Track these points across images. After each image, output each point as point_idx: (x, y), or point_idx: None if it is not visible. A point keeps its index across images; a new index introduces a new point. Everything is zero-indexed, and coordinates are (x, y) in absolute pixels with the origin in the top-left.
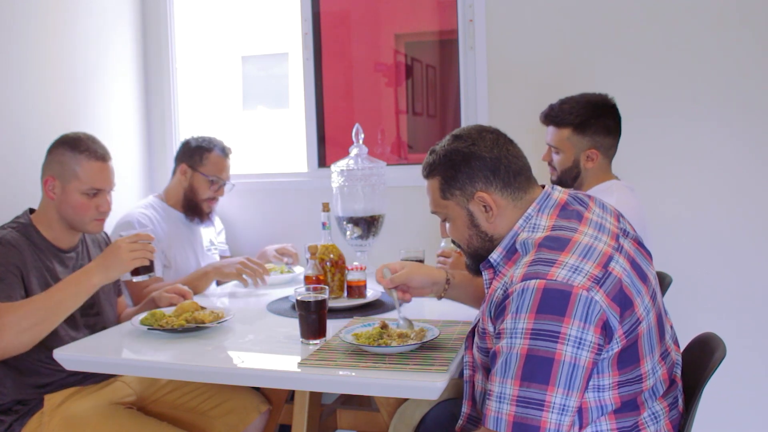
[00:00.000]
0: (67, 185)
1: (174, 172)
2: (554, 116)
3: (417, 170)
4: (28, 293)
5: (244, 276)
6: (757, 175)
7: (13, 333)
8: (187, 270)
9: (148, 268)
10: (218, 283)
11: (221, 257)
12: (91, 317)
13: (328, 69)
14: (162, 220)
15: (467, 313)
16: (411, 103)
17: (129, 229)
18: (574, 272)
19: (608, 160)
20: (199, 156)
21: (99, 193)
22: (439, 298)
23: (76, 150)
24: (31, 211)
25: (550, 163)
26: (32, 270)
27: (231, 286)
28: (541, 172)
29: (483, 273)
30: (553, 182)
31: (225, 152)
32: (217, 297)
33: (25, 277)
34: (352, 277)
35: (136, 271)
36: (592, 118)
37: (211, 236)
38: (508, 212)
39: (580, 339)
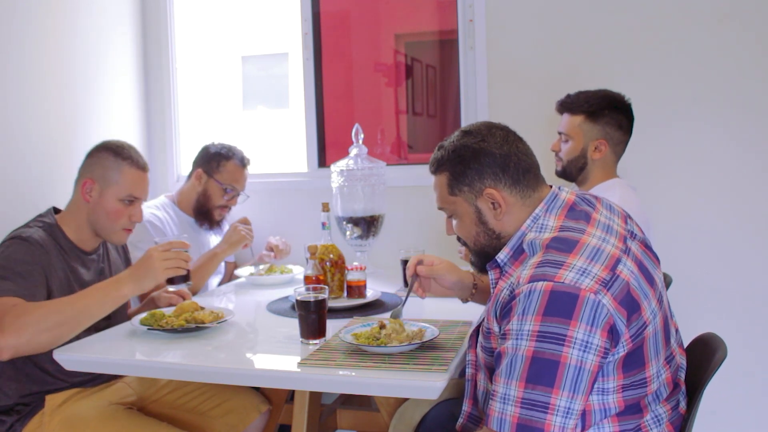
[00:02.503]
0: (105, 189)
1: (189, 176)
2: (570, 103)
3: (417, 170)
4: (49, 294)
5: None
6: (757, 175)
7: (33, 331)
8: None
9: (185, 277)
10: (220, 283)
11: (226, 263)
12: (102, 320)
13: (328, 69)
14: (172, 223)
15: (467, 313)
16: (411, 103)
17: (138, 228)
18: (581, 275)
19: (615, 157)
20: (216, 163)
21: (135, 201)
22: (465, 301)
23: (120, 157)
24: (56, 210)
25: (557, 154)
26: (57, 271)
27: (231, 285)
28: (543, 171)
29: (489, 272)
30: (558, 172)
31: (243, 162)
32: (217, 297)
33: (48, 277)
34: (351, 277)
35: (171, 280)
36: (606, 109)
37: (218, 242)
38: (516, 210)
39: (587, 342)
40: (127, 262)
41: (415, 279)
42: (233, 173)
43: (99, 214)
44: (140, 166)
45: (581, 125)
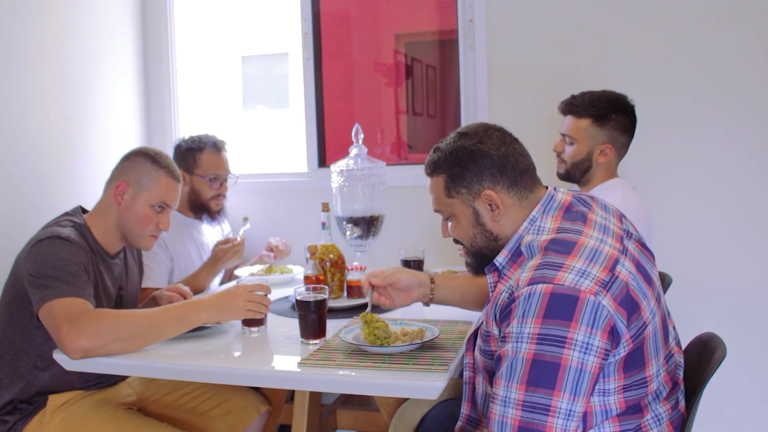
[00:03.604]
0: (139, 194)
1: None
2: (576, 106)
3: (417, 170)
4: None
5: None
6: (757, 175)
7: (107, 339)
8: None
9: (260, 321)
10: (220, 283)
11: None
12: None
13: (328, 69)
14: (170, 224)
15: (467, 314)
16: (411, 103)
17: None
18: (581, 276)
19: (617, 160)
20: (191, 159)
21: (165, 209)
22: (427, 303)
23: (157, 164)
24: (83, 210)
25: (559, 155)
26: (90, 273)
27: (232, 285)
28: (540, 172)
29: (487, 276)
30: (560, 175)
31: (217, 147)
32: None
33: (89, 278)
34: (351, 277)
35: (247, 321)
36: (613, 113)
37: (218, 240)
38: (513, 211)
39: (587, 344)
40: (140, 267)
41: (371, 291)
42: (210, 162)
43: (129, 218)
44: (175, 176)
45: (587, 129)
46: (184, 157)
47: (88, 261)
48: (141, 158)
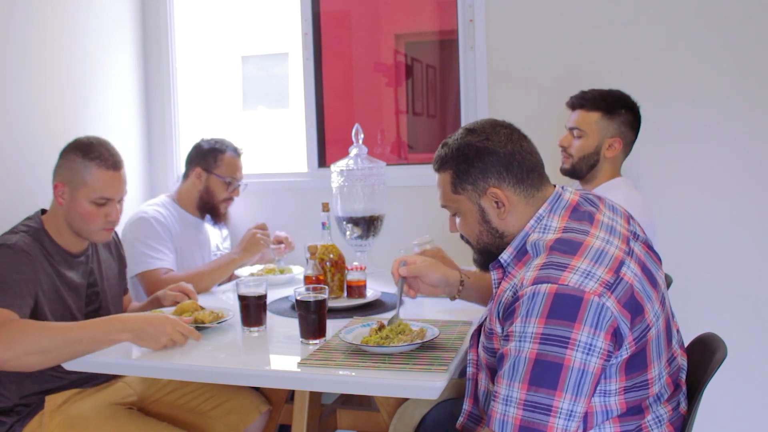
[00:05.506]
0: (76, 192)
1: (186, 175)
2: (586, 100)
3: (417, 170)
4: (37, 302)
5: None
6: (757, 174)
7: (20, 351)
8: None
9: (260, 321)
10: (220, 283)
11: None
12: None
13: (328, 69)
14: (174, 221)
15: (467, 313)
16: (411, 103)
17: (142, 224)
18: (585, 277)
19: (623, 157)
20: (213, 158)
21: (108, 202)
22: (453, 299)
23: (87, 157)
24: (43, 211)
25: (565, 150)
26: (43, 277)
27: (231, 285)
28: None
29: (492, 273)
30: (565, 170)
31: (237, 152)
32: (217, 297)
33: (35, 286)
34: (351, 277)
35: (247, 322)
36: (622, 108)
37: (217, 241)
38: (519, 209)
39: (590, 345)
40: (120, 259)
41: (403, 281)
42: (230, 165)
43: (74, 217)
44: (110, 165)
45: (598, 122)
46: (206, 155)
47: (37, 268)
48: (72, 154)
